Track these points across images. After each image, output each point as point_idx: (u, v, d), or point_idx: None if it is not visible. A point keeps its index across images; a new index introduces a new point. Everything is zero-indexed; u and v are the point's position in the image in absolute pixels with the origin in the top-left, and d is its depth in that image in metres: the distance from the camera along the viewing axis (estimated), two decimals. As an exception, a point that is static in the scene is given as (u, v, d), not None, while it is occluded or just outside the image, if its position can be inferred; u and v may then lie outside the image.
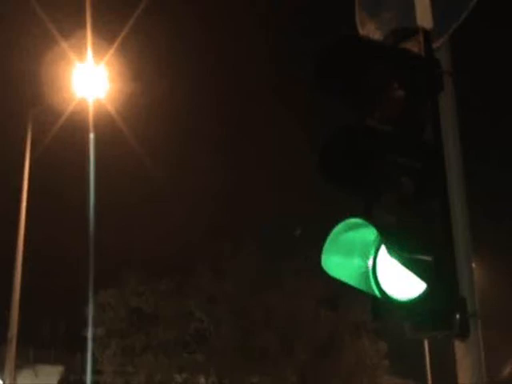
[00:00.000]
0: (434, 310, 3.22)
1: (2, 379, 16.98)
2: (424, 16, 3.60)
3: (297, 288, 22.91)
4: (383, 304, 3.32)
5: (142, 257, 23.75)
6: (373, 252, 3.37)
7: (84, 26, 16.28)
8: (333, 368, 23.30)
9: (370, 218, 3.29)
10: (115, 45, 16.75)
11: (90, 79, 16.80)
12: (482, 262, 23.91)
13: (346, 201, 3.67)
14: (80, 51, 16.72)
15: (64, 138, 18.08)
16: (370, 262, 3.39)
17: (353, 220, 3.28)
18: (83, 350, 22.04)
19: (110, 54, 16.78)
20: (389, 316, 3.43)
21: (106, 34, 17.40)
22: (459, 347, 3.21)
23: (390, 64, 3.50)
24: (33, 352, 24.02)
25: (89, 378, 21.34)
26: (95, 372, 22.05)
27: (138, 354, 22.60)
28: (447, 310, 3.18)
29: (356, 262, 3.42)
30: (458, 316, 3.15)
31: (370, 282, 3.38)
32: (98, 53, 16.76)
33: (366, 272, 3.39)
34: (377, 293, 3.34)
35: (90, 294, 20.94)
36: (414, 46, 3.49)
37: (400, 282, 3.30)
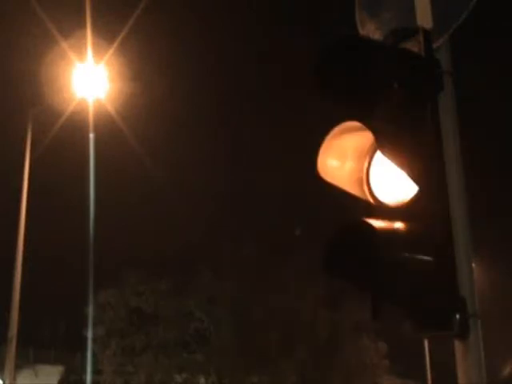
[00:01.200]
0: (433, 309, 3.22)
1: (2, 379, 16.99)
2: (424, 16, 3.60)
3: (297, 288, 22.91)
4: (384, 303, 3.33)
5: (142, 257, 23.76)
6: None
7: (84, 26, 16.29)
8: (333, 368, 23.30)
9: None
10: (115, 45, 16.77)
11: (89, 79, 16.81)
12: (482, 262, 23.93)
13: (346, 201, 3.67)
14: (80, 51, 16.74)
15: (64, 138, 18.09)
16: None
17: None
18: (83, 350, 22.06)
19: (110, 53, 16.80)
20: (389, 316, 3.43)
21: (105, 33, 17.41)
22: (459, 347, 3.20)
23: (390, 64, 3.50)
24: (33, 352, 24.03)
25: (89, 377, 21.36)
26: (95, 372, 22.05)
27: (137, 354, 22.61)
28: (447, 310, 3.18)
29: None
30: (457, 316, 3.15)
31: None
32: (97, 53, 16.78)
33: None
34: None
35: (90, 294, 20.95)
36: (413, 46, 3.49)
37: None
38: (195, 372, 23.05)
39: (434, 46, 3.49)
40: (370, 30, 3.86)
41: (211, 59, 31.49)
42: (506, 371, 32.00)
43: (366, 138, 3.29)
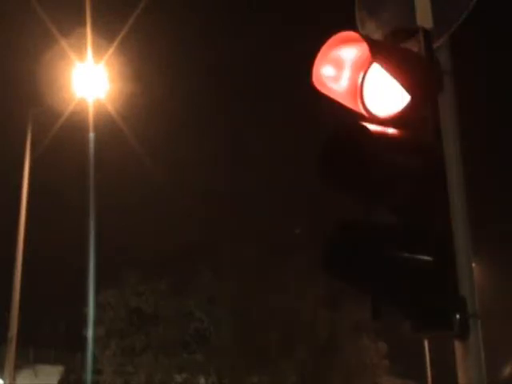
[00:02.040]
0: (433, 309, 3.22)
1: (2, 379, 16.99)
2: (424, 16, 3.60)
3: (297, 288, 22.91)
4: (383, 304, 3.33)
5: (141, 257, 23.75)
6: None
7: (84, 26, 16.27)
8: (333, 368, 23.30)
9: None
10: (115, 44, 16.76)
11: (89, 79, 16.80)
12: (482, 262, 23.93)
13: (346, 201, 3.67)
14: (80, 51, 16.72)
15: (64, 138, 18.09)
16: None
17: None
18: (83, 350, 22.04)
19: (110, 53, 16.79)
20: (389, 316, 3.43)
21: (105, 33, 17.40)
22: (459, 347, 3.20)
23: (391, 66, 3.50)
24: (33, 352, 24.03)
25: (89, 377, 21.34)
26: (95, 372, 22.04)
27: (137, 354, 22.61)
28: (447, 310, 3.18)
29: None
30: (458, 316, 3.15)
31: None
32: (97, 53, 16.77)
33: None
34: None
35: (90, 294, 20.93)
36: (414, 46, 3.49)
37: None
38: (195, 372, 23.06)
39: (434, 45, 3.49)
40: (370, 30, 3.86)
41: (211, 59, 31.49)
42: (506, 371, 32.00)
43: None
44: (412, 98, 3.28)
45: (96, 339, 22.11)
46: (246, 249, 22.50)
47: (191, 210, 26.60)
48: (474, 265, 3.33)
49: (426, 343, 28.10)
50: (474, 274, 3.29)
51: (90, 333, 21.07)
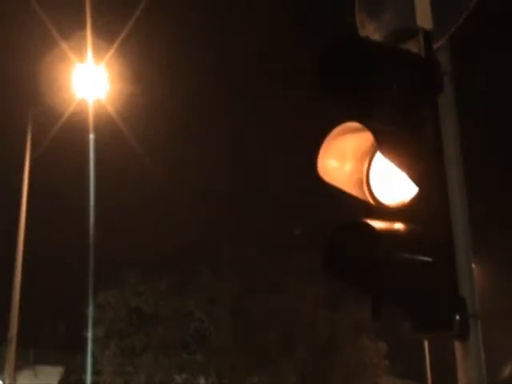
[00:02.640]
0: (433, 309, 3.22)
1: (2, 380, 16.99)
2: (424, 16, 3.60)
3: (297, 288, 22.91)
4: (383, 304, 3.33)
5: (141, 257, 23.76)
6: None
7: (84, 27, 16.28)
8: (333, 368, 23.30)
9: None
10: (115, 45, 16.76)
11: (89, 80, 16.81)
12: (482, 262, 23.93)
13: (346, 200, 3.67)
14: (80, 52, 16.73)
15: (64, 139, 18.09)
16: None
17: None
18: (83, 351, 22.04)
19: (110, 54, 16.80)
20: (389, 316, 3.43)
21: (105, 34, 17.41)
22: (459, 348, 3.21)
23: (390, 65, 3.50)
24: (33, 352, 24.03)
25: (89, 378, 21.34)
26: (95, 372, 22.04)
27: (137, 354, 22.60)
28: (447, 310, 3.18)
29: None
30: (457, 316, 3.15)
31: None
32: (97, 53, 16.78)
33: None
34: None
35: (90, 294, 20.94)
36: (413, 47, 3.49)
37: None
38: (195, 372, 23.05)
39: (434, 46, 3.50)
40: (370, 31, 3.86)
41: (211, 59, 31.50)
42: (506, 371, 32.00)
43: (365, 138, 3.30)
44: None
45: (96, 339, 22.12)
46: (246, 249, 22.50)
47: (191, 209, 26.62)
48: (473, 265, 3.33)
49: (425, 343, 28.09)
50: (474, 274, 3.30)
51: (89, 333, 21.09)
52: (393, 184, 3.36)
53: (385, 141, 3.25)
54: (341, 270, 3.33)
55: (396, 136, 3.34)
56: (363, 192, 3.44)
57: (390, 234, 3.23)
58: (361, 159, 3.44)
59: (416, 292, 3.25)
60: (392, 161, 3.25)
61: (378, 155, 3.36)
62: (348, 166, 3.46)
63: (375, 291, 3.27)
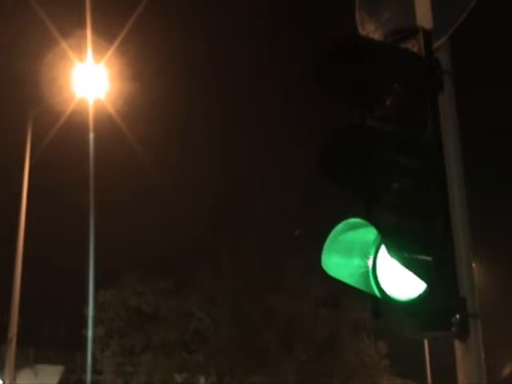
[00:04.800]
0: (433, 309, 3.22)
1: (2, 379, 16.98)
2: (424, 16, 3.60)
3: (297, 288, 22.91)
4: (383, 304, 3.33)
5: (142, 257, 23.77)
6: (373, 252, 3.37)
7: (84, 26, 16.26)
8: (333, 368, 23.30)
9: (371, 217, 3.28)
10: (115, 45, 16.75)
11: (89, 79, 16.80)
12: (482, 262, 23.91)
13: (346, 200, 3.67)
14: (80, 51, 16.72)
15: (64, 138, 18.09)
16: (370, 262, 3.39)
17: (353, 220, 3.28)
18: (83, 350, 22.03)
19: (110, 53, 16.78)
20: (389, 316, 3.43)
21: (105, 33, 17.39)
22: (459, 347, 3.21)
23: (391, 64, 3.50)
24: (33, 352, 24.01)
25: (89, 377, 21.33)
26: (95, 372, 22.04)
27: (137, 354, 22.61)
28: (447, 310, 3.18)
29: (356, 261, 3.42)
30: (457, 316, 3.15)
31: (369, 282, 3.38)
32: (97, 53, 16.76)
33: (366, 272, 3.39)
34: (377, 293, 3.34)
35: (90, 293, 20.94)
36: (413, 46, 3.49)
37: (400, 282, 3.29)
38: (195, 372, 23.06)
39: (434, 46, 3.50)
40: (370, 30, 3.86)
41: (211, 59, 31.51)
42: (506, 371, 31.99)
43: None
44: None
45: (96, 339, 22.11)
46: (246, 249, 22.51)
47: (191, 209, 26.62)
48: (473, 265, 3.33)
49: (426, 343, 28.07)
50: (474, 274, 3.29)
51: (89, 333, 21.07)
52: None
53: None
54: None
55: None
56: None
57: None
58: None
59: (416, 291, 3.23)
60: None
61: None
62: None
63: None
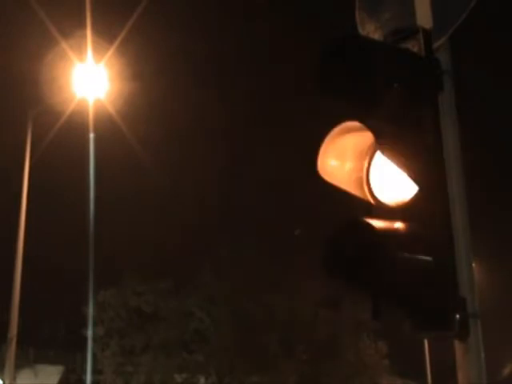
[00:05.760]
0: (433, 309, 3.22)
1: (2, 379, 16.98)
2: (424, 16, 3.60)
3: (297, 288, 22.91)
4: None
5: (142, 257, 23.76)
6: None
7: (84, 26, 16.28)
8: (333, 368, 23.30)
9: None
10: (115, 45, 16.76)
11: (90, 79, 16.81)
12: (482, 262, 23.92)
13: (346, 200, 3.67)
14: (80, 51, 16.73)
15: (64, 138, 18.09)
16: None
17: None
18: (83, 350, 22.05)
19: (110, 54, 16.79)
20: (389, 315, 3.43)
21: (106, 33, 17.40)
22: (459, 347, 3.21)
23: (390, 64, 3.50)
24: (33, 352, 24.01)
25: (89, 377, 21.35)
26: (95, 372, 22.05)
27: (137, 354, 22.62)
28: (447, 310, 3.18)
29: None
30: (457, 316, 3.15)
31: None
32: (98, 53, 16.78)
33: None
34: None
35: (90, 293, 20.95)
36: (413, 46, 3.49)
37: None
38: (195, 372, 23.06)
39: (434, 45, 3.50)
40: (370, 30, 3.86)
41: (211, 59, 31.52)
42: (506, 371, 32.00)
43: (366, 137, 3.31)
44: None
45: (96, 339, 22.14)
46: (246, 249, 22.50)
47: (191, 209, 26.62)
48: (473, 265, 3.33)
49: (426, 343, 28.09)
50: (474, 274, 3.29)
51: (89, 333, 21.09)
52: (393, 183, 3.37)
53: (385, 140, 3.27)
54: (341, 270, 3.33)
55: (396, 135, 3.34)
56: (363, 191, 3.46)
57: (391, 234, 3.23)
58: (361, 158, 3.46)
59: (416, 292, 3.25)
60: (392, 160, 3.26)
61: (378, 154, 3.37)
62: (348, 165, 3.47)
63: (375, 291, 3.27)
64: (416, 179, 3.23)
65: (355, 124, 3.28)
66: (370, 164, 3.43)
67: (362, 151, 3.44)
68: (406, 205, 3.29)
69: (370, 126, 3.22)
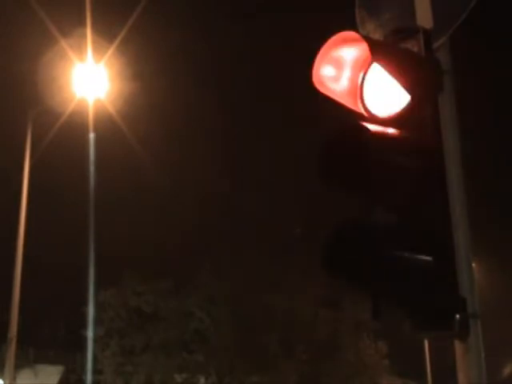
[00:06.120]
0: (433, 309, 3.22)
1: (2, 379, 16.98)
2: (424, 16, 3.60)
3: (297, 288, 22.91)
4: (384, 303, 3.33)
5: (142, 257, 23.75)
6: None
7: (84, 26, 16.26)
8: (333, 368, 23.30)
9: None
10: (115, 44, 16.75)
11: (89, 79, 16.80)
12: (482, 262, 23.90)
13: (346, 201, 3.67)
14: (80, 51, 16.72)
15: (64, 138, 18.08)
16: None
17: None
18: (83, 350, 22.05)
19: (110, 53, 16.78)
20: (389, 315, 3.43)
21: (105, 33, 17.39)
22: (459, 347, 3.21)
23: (391, 66, 3.50)
24: (33, 352, 24.02)
25: (89, 377, 21.35)
26: (95, 372, 22.05)
27: (137, 354, 22.62)
28: (447, 310, 3.18)
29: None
30: (458, 316, 3.15)
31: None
32: (97, 52, 16.76)
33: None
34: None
35: (90, 293, 20.95)
36: (414, 46, 3.49)
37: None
38: (195, 372, 23.06)
39: (434, 45, 3.50)
40: (370, 30, 3.86)
41: (211, 59, 31.51)
42: (506, 371, 31.99)
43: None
44: (412, 98, 3.30)
45: (96, 339, 22.14)
46: (246, 249, 22.51)
47: (191, 209, 26.61)
48: (473, 265, 3.33)
49: (426, 343, 28.09)
50: (474, 274, 3.29)
51: (89, 333, 21.09)
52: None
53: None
54: (341, 270, 3.34)
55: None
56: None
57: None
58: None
59: (416, 292, 3.25)
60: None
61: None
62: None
63: (375, 291, 3.27)
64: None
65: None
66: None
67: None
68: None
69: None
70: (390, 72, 3.29)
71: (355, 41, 3.28)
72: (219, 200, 27.33)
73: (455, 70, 3.51)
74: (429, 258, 3.21)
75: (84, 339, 21.56)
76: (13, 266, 16.30)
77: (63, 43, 16.83)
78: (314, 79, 3.41)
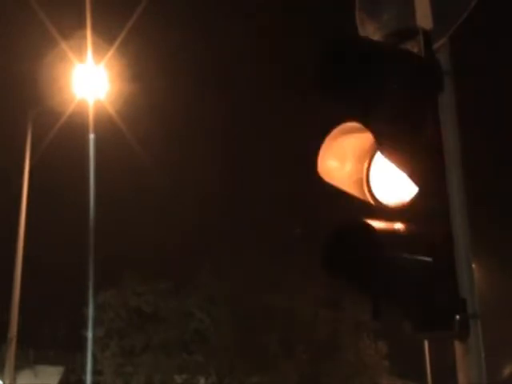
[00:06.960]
0: (434, 310, 3.23)
1: (2, 379, 16.99)
2: (424, 16, 3.60)
3: (297, 288, 22.92)
4: (384, 303, 3.34)
5: (142, 257, 23.76)
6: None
7: (84, 27, 16.28)
8: (333, 368, 23.30)
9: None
10: (115, 45, 16.76)
11: (90, 80, 16.81)
12: (482, 262, 23.88)
13: (346, 201, 3.67)
14: (80, 52, 16.73)
15: (64, 139, 18.09)
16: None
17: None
18: (83, 351, 22.05)
19: (110, 54, 16.79)
20: (389, 315, 3.43)
21: (105, 34, 17.40)
22: (459, 348, 3.21)
23: (390, 64, 3.50)
24: (33, 352, 24.03)
25: (89, 378, 21.35)
26: (95, 372, 22.05)
27: (137, 354, 22.62)
28: (447, 310, 3.18)
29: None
30: (458, 316, 3.15)
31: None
32: (98, 53, 16.77)
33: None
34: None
35: (90, 294, 20.95)
36: (413, 47, 3.49)
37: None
38: (195, 372, 23.06)
39: (434, 46, 3.50)
40: (370, 31, 3.86)
41: (211, 59, 31.51)
42: (506, 371, 31.98)
43: (365, 138, 3.31)
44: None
45: (96, 339, 22.14)
46: (246, 249, 22.51)
47: (191, 209, 26.62)
48: (473, 265, 3.33)
49: (426, 343, 28.09)
50: (473, 274, 3.30)
51: (89, 333, 21.09)
52: (393, 184, 3.38)
53: (385, 141, 3.27)
54: (341, 270, 3.34)
55: (396, 136, 3.34)
56: (363, 192, 3.47)
57: (391, 235, 3.24)
58: (361, 159, 3.46)
59: (416, 292, 3.25)
60: (392, 161, 3.27)
61: (378, 155, 3.37)
62: (348, 166, 3.48)
63: (375, 291, 3.28)
64: (415, 180, 3.24)
65: (355, 125, 3.28)
66: (370, 165, 3.44)
67: (362, 152, 3.44)
68: (405, 206, 3.30)
69: (369, 127, 3.22)
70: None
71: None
72: (219, 200, 27.33)
73: (455, 70, 3.52)
74: (429, 259, 3.21)
75: (84, 340, 21.55)
76: (13, 266, 16.31)
77: (63, 44, 16.87)
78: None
